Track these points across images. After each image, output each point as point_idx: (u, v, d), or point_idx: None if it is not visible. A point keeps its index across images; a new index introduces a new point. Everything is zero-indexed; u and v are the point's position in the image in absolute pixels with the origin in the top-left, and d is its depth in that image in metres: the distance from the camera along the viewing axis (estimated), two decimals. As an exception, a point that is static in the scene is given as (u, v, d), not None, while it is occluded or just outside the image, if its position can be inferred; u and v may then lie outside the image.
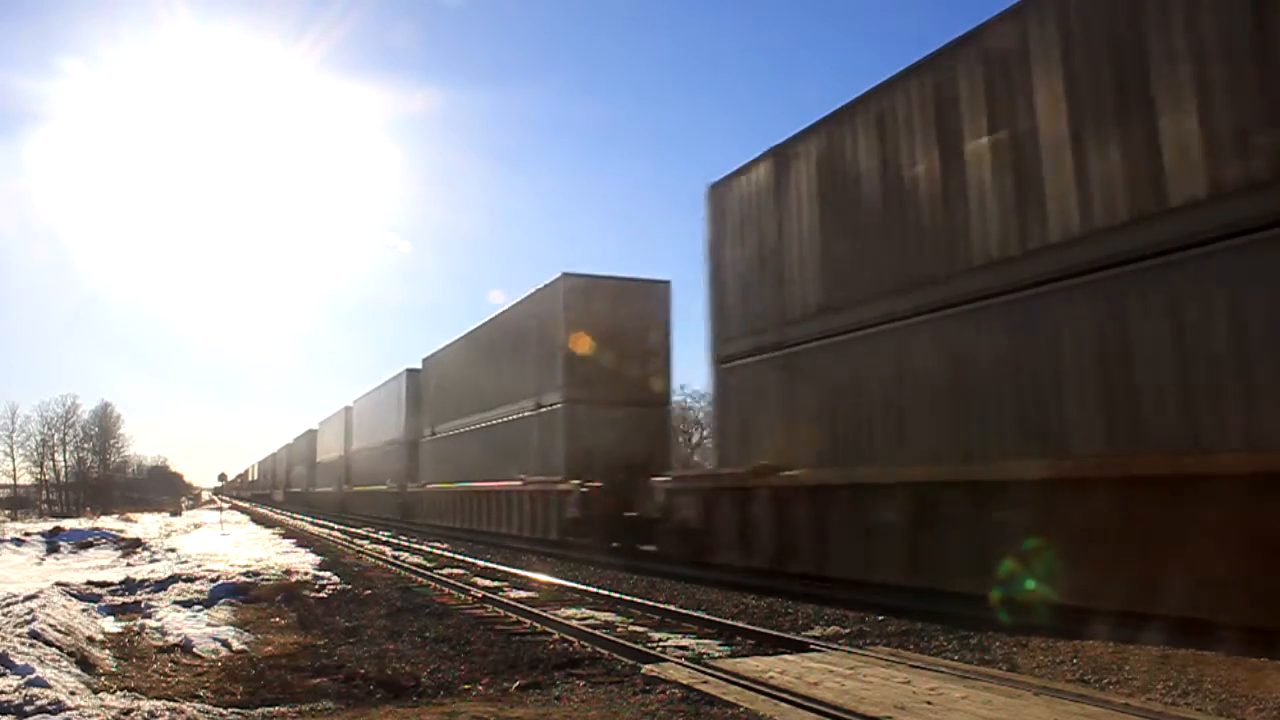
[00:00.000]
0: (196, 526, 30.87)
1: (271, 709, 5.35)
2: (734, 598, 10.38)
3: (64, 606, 8.34)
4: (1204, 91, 6.82)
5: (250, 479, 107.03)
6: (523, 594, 11.33)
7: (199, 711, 5.16)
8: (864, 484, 10.02)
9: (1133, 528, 7.04)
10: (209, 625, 8.33)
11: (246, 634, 7.97)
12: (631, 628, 8.66)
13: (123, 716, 4.91)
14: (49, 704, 4.94)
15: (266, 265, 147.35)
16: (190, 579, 11.53)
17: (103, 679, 6.04)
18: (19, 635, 6.55)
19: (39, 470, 72.55)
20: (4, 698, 4.96)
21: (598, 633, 7.90)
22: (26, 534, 23.66)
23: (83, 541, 21.29)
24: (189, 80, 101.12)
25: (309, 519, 36.96)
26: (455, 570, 14.53)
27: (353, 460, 42.22)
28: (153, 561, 15.77)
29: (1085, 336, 7.68)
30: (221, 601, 9.92)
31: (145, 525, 30.99)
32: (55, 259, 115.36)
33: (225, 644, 7.42)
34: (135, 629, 8.14)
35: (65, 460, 74.24)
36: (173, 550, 18.27)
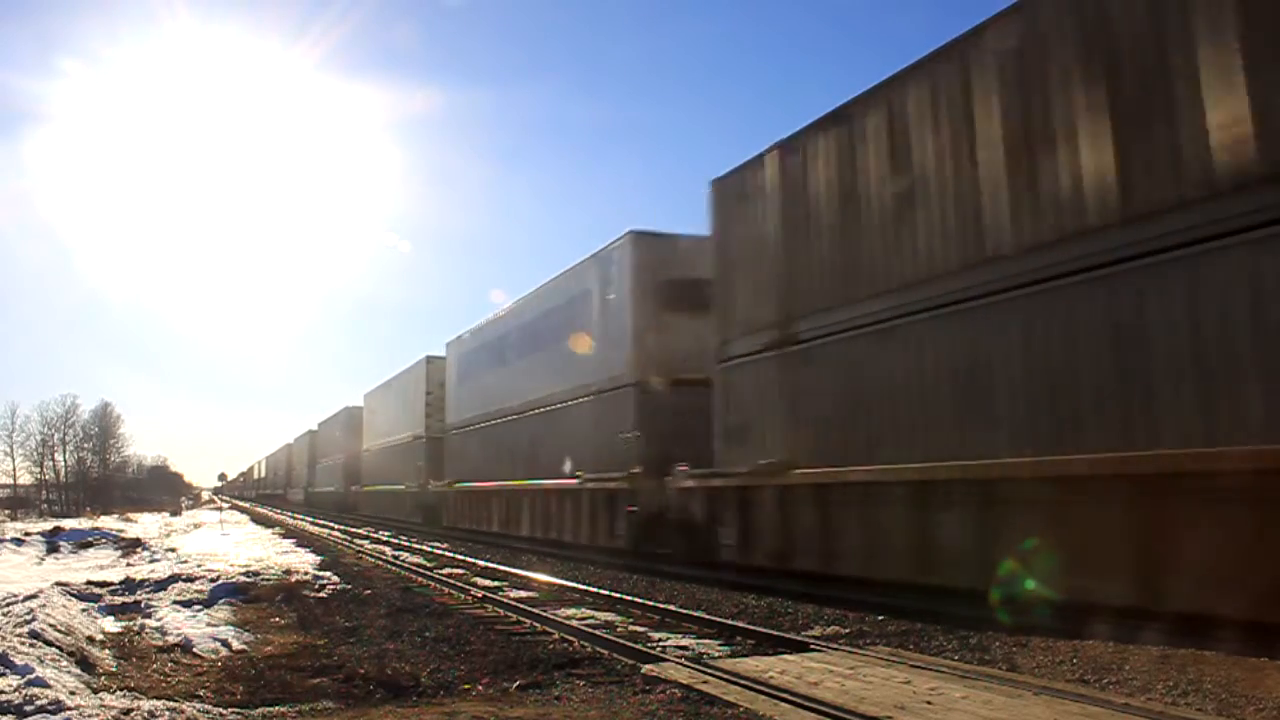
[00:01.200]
0: (196, 526, 30.88)
1: (271, 709, 5.36)
2: (734, 598, 10.38)
3: (64, 606, 8.34)
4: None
5: (256, 477, 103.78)
6: (523, 594, 11.33)
7: (199, 711, 5.16)
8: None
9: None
10: (209, 625, 8.33)
11: (246, 634, 7.97)
12: (631, 627, 8.67)
13: (123, 716, 4.91)
14: (49, 704, 4.94)
15: (267, 265, 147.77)
16: (190, 579, 11.52)
17: (103, 679, 6.03)
18: (19, 635, 6.55)
19: (39, 470, 72.48)
20: (4, 697, 4.96)
21: (598, 632, 7.90)
22: (26, 534, 23.68)
23: (83, 541, 21.31)
24: (189, 80, 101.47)
25: (318, 520, 36.74)
26: (455, 570, 14.53)
27: (440, 448, 27.36)
28: (153, 561, 15.77)
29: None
30: (221, 601, 9.92)
31: (145, 525, 31.02)
32: (55, 259, 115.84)
33: (225, 644, 7.42)
34: (135, 629, 8.15)
35: (65, 460, 74.17)
36: (173, 550, 18.28)
